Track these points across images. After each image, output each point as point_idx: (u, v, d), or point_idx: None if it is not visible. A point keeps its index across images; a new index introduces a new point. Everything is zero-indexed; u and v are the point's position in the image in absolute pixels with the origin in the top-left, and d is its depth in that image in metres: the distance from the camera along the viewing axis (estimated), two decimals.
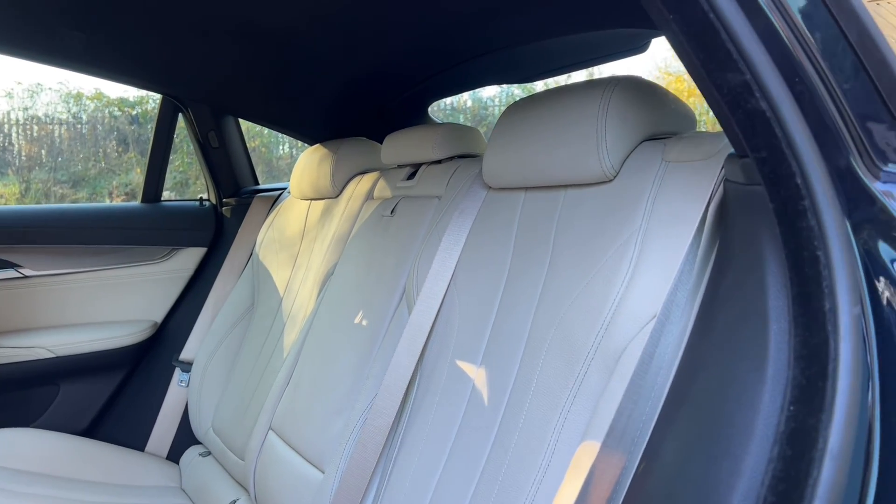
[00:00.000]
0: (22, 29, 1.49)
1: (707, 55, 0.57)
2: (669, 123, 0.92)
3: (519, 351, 0.93)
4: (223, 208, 2.06)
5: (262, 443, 1.41)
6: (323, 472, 1.18)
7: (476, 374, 0.99)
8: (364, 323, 1.26)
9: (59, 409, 1.80)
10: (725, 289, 0.63)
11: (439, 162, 1.35)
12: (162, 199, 2.03)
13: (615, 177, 0.89)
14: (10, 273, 1.75)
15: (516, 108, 1.06)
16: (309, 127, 1.94)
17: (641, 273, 0.78)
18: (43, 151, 7.43)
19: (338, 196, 1.62)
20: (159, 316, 1.96)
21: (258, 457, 1.40)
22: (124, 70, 1.73)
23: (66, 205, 3.24)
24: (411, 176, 1.38)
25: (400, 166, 1.47)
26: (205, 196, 2.09)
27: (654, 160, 0.85)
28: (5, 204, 6.66)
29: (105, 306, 1.89)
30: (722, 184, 0.71)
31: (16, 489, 1.41)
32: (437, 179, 1.29)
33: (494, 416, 0.93)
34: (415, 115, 1.90)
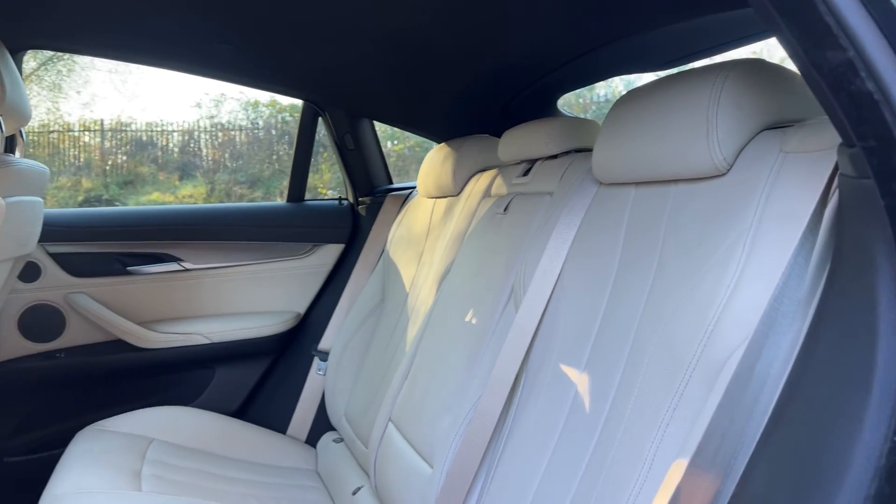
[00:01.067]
0: (176, 45, 1.65)
1: (802, 30, 0.49)
2: (795, 110, 0.82)
3: (622, 358, 0.88)
4: (359, 207, 2.15)
5: (383, 434, 1.45)
6: (432, 467, 1.20)
7: (578, 379, 0.95)
8: (474, 321, 1.25)
9: (214, 391, 1.98)
10: (833, 298, 0.55)
11: (555, 157, 1.31)
12: (305, 199, 2.16)
13: (728, 170, 0.81)
14: (174, 266, 1.95)
15: (627, 99, 1.00)
16: (437, 126, 1.97)
17: (748, 278, 0.70)
18: (226, 155, 8.19)
19: (458, 194, 1.63)
20: (302, 308, 2.09)
21: (379, 447, 1.45)
22: (268, 78, 1.86)
23: (221, 204, 3.55)
24: (526, 172, 1.36)
25: (518, 163, 1.45)
26: (344, 196, 2.19)
27: (770, 151, 0.76)
28: (194, 203, 7.43)
29: (254, 298, 2.05)
30: (837, 177, 0.62)
31: (173, 462, 1.57)
32: (551, 175, 1.26)
33: (594, 425, 0.89)
34: (542, 110, 1.86)
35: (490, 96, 1.81)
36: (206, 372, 1.99)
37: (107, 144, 7.88)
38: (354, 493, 1.53)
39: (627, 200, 0.99)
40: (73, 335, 1.85)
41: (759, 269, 0.69)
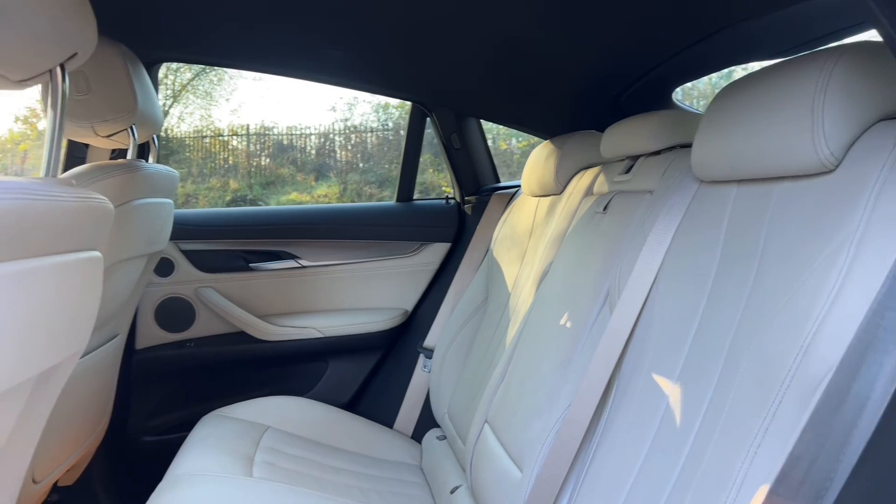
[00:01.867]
0: (289, 52, 1.73)
1: None
2: None
3: (716, 370, 0.82)
4: (465, 206, 2.16)
5: (479, 434, 1.45)
6: (521, 472, 1.18)
7: (671, 390, 0.89)
8: (568, 325, 1.21)
9: (327, 383, 2.07)
10: None
11: (658, 153, 1.24)
12: (413, 198, 2.20)
13: (836, 167, 0.72)
14: (291, 263, 2.05)
15: (730, 90, 0.92)
16: (544, 123, 1.93)
17: (851, 287, 0.62)
18: (358, 156, 8.52)
19: (561, 192, 1.59)
20: (409, 305, 2.13)
21: (475, 448, 1.45)
22: (377, 81, 1.91)
23: (335, 205, 3.68)
24: (628, 169, 1.30)
25: (621, 159, 1.38)
26: (450, 195, 2.21)
27: (884, 145, 0.67)
28: (328, 202, 7.79)
29: (364, 294, 2.11)
30: None
31: (284, 450, 1.65)
32: (653, 172, 1.19)
33: (684, 440, 0.83)
34: (655, 103, 1.77)
35: (598, 90, 1.74)
36: (320, 365, 2.07)
37: (252, 148, 8.42)
38: (452, 492, 1.54)
39: (728, 200, 0.91)
40: (202, 326, 2.00)
41: (862, 278, 0.61)
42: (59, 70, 0.76)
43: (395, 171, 2.17)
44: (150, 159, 1.69)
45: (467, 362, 1.80)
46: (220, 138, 8.32)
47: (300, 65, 1.83)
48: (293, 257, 2.06)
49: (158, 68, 1.89)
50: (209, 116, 8.52)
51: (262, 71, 1.88)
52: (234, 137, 8.36)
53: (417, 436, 1.99)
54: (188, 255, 1.98)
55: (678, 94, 1.82)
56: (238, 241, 2.03)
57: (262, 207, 2.25)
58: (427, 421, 1.97)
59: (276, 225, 2.05)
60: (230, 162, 8.32)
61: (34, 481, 1.40)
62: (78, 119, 1.37)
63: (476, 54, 1.60)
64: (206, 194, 7.79)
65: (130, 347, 1.94)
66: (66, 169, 1.77)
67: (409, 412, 2.01)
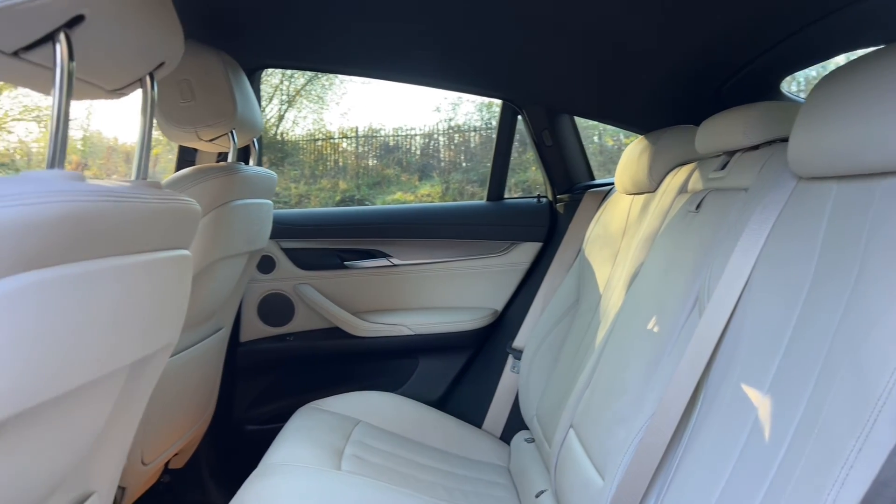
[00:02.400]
0: (382, 55, 1.77)
1: None
2: None
3: (809, 382, 0.75)
4: (557, 204, 2.11)
5: (564, 439, 1.41)
6: (603, 480, 1.14)
7: (761, 402, 0.83)
8: (656, 329, 1.16)
9: (418, 380, 2.09)
10: None
11: (756, 148, 1.16)
12: (504, 197, 2.18)
13: None
14: (383, 262, 2.10)
15: (830, 79, 0.85)
16: (639, 118, 1.86)
17: None
18: (461, 156, 8.60)
19: (655, 190, 1.52)
20: (499, 305, 2.12)
21: (559, 452, 1.42)
22: (467, 80, 1.90)
23: (426, 204, 3.71)
24: (724, 166, 1.22)
25: (717, 155, 1.31)
26: (541, 193, 2.17)
27: None
28: (430, 201, 7.91)
29: (454, 293, 2.12)
30: None
31: (373, 444, 1.68)
32: (749, 168, 1.11)
33: (773, 457, 0.77)
34: (761, 94, 1.66)
35: (698, 82, 1.66)
36: (411, 362, 2.10)
37: (360, 149, 8.68)
38: (538, 496, 1.51)
39: (828, 198, 0.84)
40: (300, 321, 2.08)
41: None
42: (148, 79, 0.81)
43: (507, 169, 2.16)
44: (251, 162, 1.78)
45: (557, 365, 1.77)
46: (331, 141, 8.64)
47: (391, 67, 1.86)
48: (385, 256, 2.10)
49: (260, 74, 1.98)
50: (321, 120, 8.86)
51: (356, 74, 1.94)
52: (344, 140, 8.65)
53: (506, 437, 1.97)
54: (288, 253, 2.07)
55: (797, 86, 1.70)
56: (334, 240, 2.09)
57: (357, 207, 2.32)
58: (516, 422, 1.95)
59: (370, 224, 2.10)
60: (340, 163, 8.61)
61: (143, 463, 1.50)
62: (183, 125, 1.46)
63: (567, 49, 1.57)
64: (317, 195, 8.11)
65: (235, 340, 2.05)
66: (176, 171, 1.90)
67: (497, 412, 2.00)
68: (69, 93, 0.64)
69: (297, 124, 8.51)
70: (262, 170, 1.69)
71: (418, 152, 8.68)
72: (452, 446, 1.84)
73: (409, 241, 2.12)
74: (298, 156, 8.24)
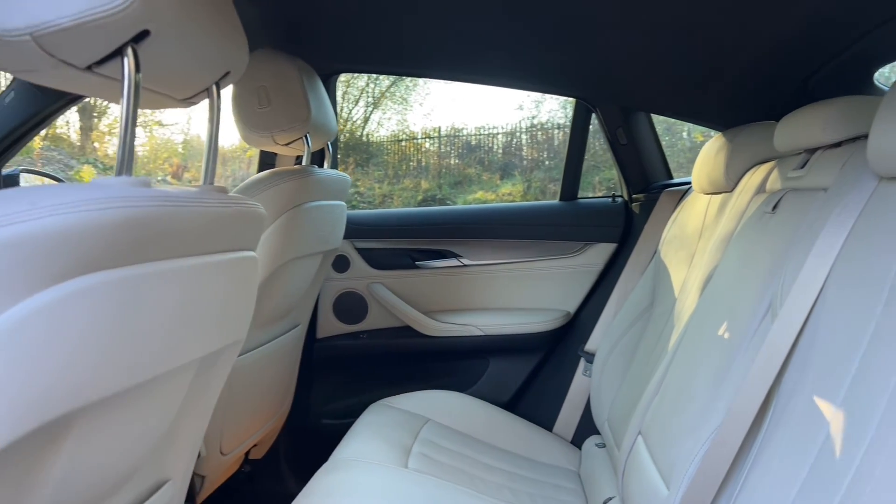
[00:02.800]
0: (453, 57, 1.78)
1: None
2: None
3: (884, 395, 0.70)
4: (633, 204, 2.06)
5: (632, 446, 1.38)
6: (668, 490, 1.10)
7: (833, 416, 0.78)
8: (726, 336, 1.11)
9: (488, 381, 2.09)
10: None
11: (838, 145, 1.08)
12: (578, 196, 2.14)
13: None
14: (453, 262, 2.11)
15: None
16: (718, 113, 1.78)
17: None
18: (543, 154, 8.52)
19: (732, 189, 1.46)
20: (572, 307, 2.09)
21: (627, 459, 1.38)
22: (539, 79, 1.89)
23: (497, 204, 3.69)
24: (804, 164, 1.15)
25: (797, 153, 1.23)
26: (617, 192, 2.12)
27: None
28: (512, 200, 7.89)
29: (525, 294, 2.10)
30: None
31: (441, 443, 1.70)
32: (829, 167, 1.05)
33: (842, 477, 0.72)
34: (852, 87, 1.55)
35: (782, 75, 1.57)
36: (481, 362, 2.10)
37: (442, 149, 8.76)
38: (605, 503, 1.48)
39: None
40: (373, 319, 2.13)
41: None
42: (214, 87, 0.85)
43: (584, 167, 2.14)
44: (325, 165, 1.83)
45: (629, 369, 1.72)
46: (414, 141, 8.77)
47: (462, 68, 1.87)
48: (456, 256, 2.11)
49: (336, 79, 2.03)
50: (405, 121, 9.01)
51: (428, 76, 1.96)
52: (427, 140, 8.75)
53: (577, 441, 1.94)
54: (362, 252, 2.11)
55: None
56: (406, 240, 2.12)
57: (428, 208, 2.35)
58: (587, 426, 1.91)
59: (441, 225, 2.12)
60: (422, 163, 8.72)
61: (222, 453, 1.58)
62: (260, 129, 1.52)
63: (642, 46, 1.52)
64: (399, 194, 8.24)
65: (312, 336, 2.12)
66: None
67: (569, 416, 1.97)
68: (136, 103, 0.68)
69: (382, 126, 8.67)
70: (336, 172, 1.74)
71: (500, 151, 8.66)
72: (521, 448, 1.82)
73: (479, 242, 2.12)
74: (383, 156, 8.39)
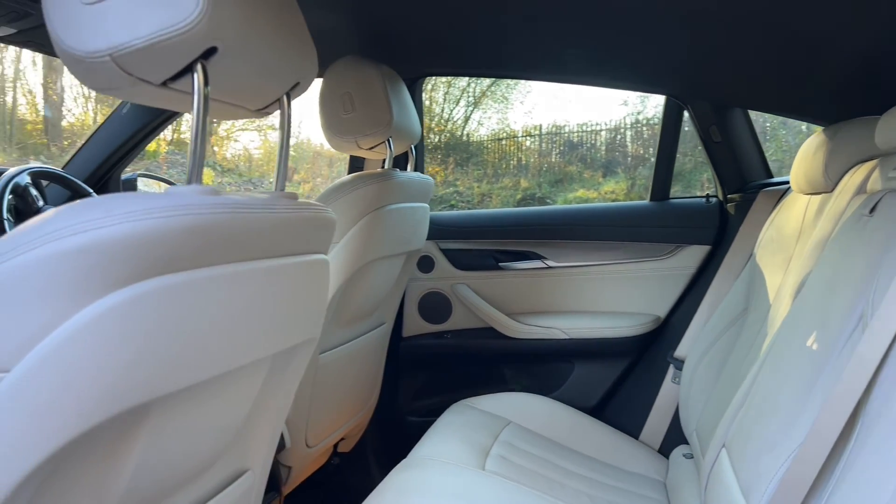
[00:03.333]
0: (540, 57, 1.76)
1: None
2: None
3: None
4: (728, 205, 1.96)
5: (716, 458, 1.31)
6: None
7: None
8: (815, 347, 1.04)
9: (573, 386, 2.06)
10: None
11: None
12: (670, 197, 2.06)
13: None
14: (538, 264, 2.09)
15: None
16: (821, 108, 1.66)
17: None
18: (649, 151, 8.27)
19: (832, 190, 1.36)
20: (662, 311, 2.01)
21: (710, 471, 1.32)
22: (625, 77, 1.83)
23: (583, 205, 3.61)
24: None
25: None
26: (711, 192, 2.02)
27: None
28: (614, 198, 7.71)
29: (612, 297, 2.05)
30: None
31: (521, 446, 1.69)
32: None
33: None
34: None
35: (890, 66, 1.45)
36: (566, 366, 2.07)
37: (543, 147, 8.69)
38: None
39: None
40: (457, 320, 2.14)
41: None
42: (284, 98, 0.89)
43: (689, 164, 2.07)
44: (409, 168, 1.86)
45: (720, 378, 1.64)
46: (515, 139, 8.74)
47: (549, 67, 1.85)
48: (540, 258, 2.09)
49: (422, 83, 2.07)
50: (505, 119, 8.99)
51: (514, 77, 1.97)
52: (528, 138, 8.69)
53: (665, 450, 1.87)
54: (446, 253, 2.14)
55: None
56: (490, 241, 2.13)
57: (513, 209, 2.34)
58: (676, 435, 1.84)
59: (525, 226, 2.11)
60: (522, 162, 8.68)
61: (308, 445, 1.65)
62: (344, 135, 1.58)
63: (739, 40, 1.45)
64: (498, 193, 8.25)
65: (398, 335, 2.17)
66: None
67: (657, 424, 1.91)
68: (205, 116, 0.73)
69: (483, 125, 8.69)
70: (418, 175, 1.77)
71: (603, 148, 8.47)
72: (605, 455, 1.78)
73: (565, 243, 2.09)
74: (483, 155, 8.42)
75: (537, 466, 1.61)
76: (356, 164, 2.05)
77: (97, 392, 0.61)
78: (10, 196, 1.82)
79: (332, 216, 0.97)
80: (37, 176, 1.93)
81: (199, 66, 0.71)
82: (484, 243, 2.13)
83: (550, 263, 2.08)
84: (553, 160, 8.57)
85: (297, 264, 0.89)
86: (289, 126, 0.90)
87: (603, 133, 8.40)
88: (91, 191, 2.09)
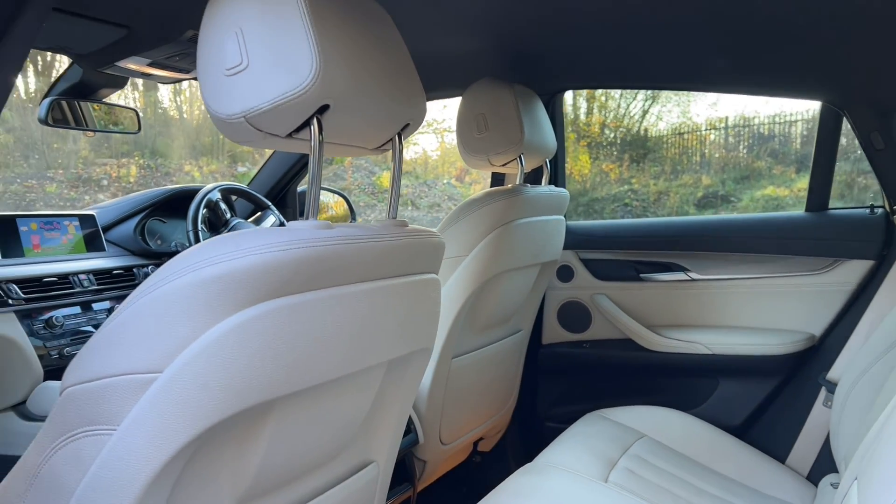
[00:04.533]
0: (680, 67, 1.74)
1: None
2: None
3: None
4: (894, 216, 1.78)
5: (846, 491, 1.23)
6: None
7: None
8: None
9: (715, 403, 1.99)
10: None
11: None
12: (829, 207, 1.92)
13: None
14: (681, 276, 2.04)
15: None
16: None
17: None
18: (853, 142, 7.49)
19: None
20: (816, 330, 1.88)
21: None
22: (774, 84, 1.75)
23: (728, 216, 3.38)
24: None
25: None
26: (877, 203, 1.85)
27: None
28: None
29: (760, 313, 1.95)
30: None
31: (652, 461, 1.69)
32: None
33: None
34: None
35: None
36: (709, 382, 2.01)
37: (729, 141, 8.21)
38: None
39: None
40: (596, 330, 2.16)
41: None
42: (396, 138, 1.01)
43: (831, 176, 1.94)
44: (543, 182, 1.92)
45: (874, 404, 1.52)
46: (697, 133, 8.33)
47: (691, 77, 1.82)
48: (683, 269, 2.04)
49: (561, 97, 2.11)
50: (687, 112, 8.59)
51: (654, 88, 1.94)
52: (712, 131, 8.24)
53: (814, 478, 1.76)
54: (586, 263, 2.16)
55: None
56: (630, 252, 2.12)
57: (654, 219, 2.29)
58: (826, 463, 1.72)
59: (667, 237, 2.07)
60: (705, 157, 8.25)
61: (442, 442, 1.77)
62: (477, 153, 1.68)
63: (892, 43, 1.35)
64: (677, 191, 7.92)
65: (538, 341, 2.23)
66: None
67: (805, 449, 1.79)
68: (321, 162, 0.86)
69: (662, 119, 8.40)
70: (550, 189, 1.82)
71: (798, 141, 7.82)
72: (745, 478, 1.72)
73: (709, 255, 2.02)
74: (661, 151, 8.15)
75: (667, 482, 1.60)
76: (497, 177, 2.15)
77: (227, 391, 0.76)
78: (205, 210, 2.15)
79: (438, 240, 1.07)
80: (226, 192, 2.26)
81: (314, 121, 0.85)
82: (624, 254, 2.13)
83: (693, 276, 2.03)
84: (739, 155, 8.05)
85: (405, 284, 1.00)
86: (401, 161, 1.02)
87: (798, 124, 7.74)
88: (269, 203, 2.40)
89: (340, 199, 2.76)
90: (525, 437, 2.27)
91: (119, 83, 1.83)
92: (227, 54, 0.81)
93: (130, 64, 1.67)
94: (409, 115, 0.99)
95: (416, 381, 1.20)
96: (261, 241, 0.77)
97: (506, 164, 1.71)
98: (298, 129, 0.87)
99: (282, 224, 2.49)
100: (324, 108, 0.85)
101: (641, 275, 2.10)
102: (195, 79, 1.84)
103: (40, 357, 1.66)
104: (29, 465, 0.82)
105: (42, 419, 1.61)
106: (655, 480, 1.59)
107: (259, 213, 2.44)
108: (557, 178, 2.18)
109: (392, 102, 0.94)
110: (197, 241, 2.07)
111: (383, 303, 0.96)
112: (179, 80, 1.84)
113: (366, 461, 1.19)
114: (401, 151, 1.02)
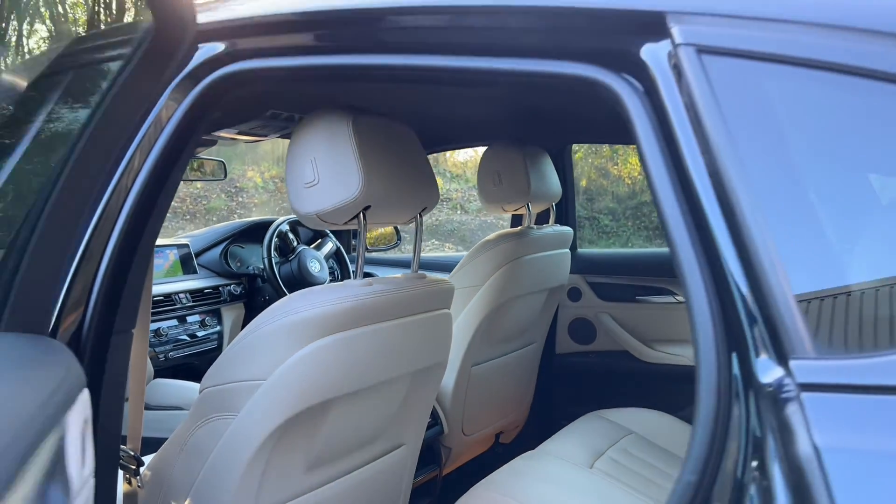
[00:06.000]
0: None
1: None
2: None
3: None
4: None
5: None
6: None
7: None
8: None
9: None
10: None
11: None
12: None
13: None
14: (670, 298, 2.40)
15: None
16: None
17: None
18: None
19: None
20: None
21: None
22: None
23: None
24: None
25: None
26: None
27: None
28: None
29: None
30: None
31: (637, 454, 2.03)
32: None
33: None
34: None
35: None
36: (692, 388, 2.36)
37: None
38: None
39: None
40: (600, 342, 2.55)
41: None
42: (418, 216, 1.43)
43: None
44: (550, 222, 2.32)
45: None
46: None
47: None
48: (672, 293, 2.41)
49: (570, 149, 2.51)
50: None
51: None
52: None
53: None
54: (592, 286, 2.55)
55: None
56: (629, 277, 2.49)
57: (649, 250, 2.63)
58: None
59: (659, 265, 2.44)
60: None
61: (464, 433, 2.20)
62: (493, 202, 2.09)
63: None
64: None
65: (552, 352, 2.63)
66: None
67: None
68: (364, 238, 1.30)
69: None
70: (555, 228, 2.22)
71: None
72: None
73: None
74: None
75: (648, 472, 1.94)
76: (516, 216, 2.56)
77: (305, 392, 1.20)
78: (276, 239, 2.64)
79: (449, 286, 1.49)
80: (294, 224, 2.74)
81: (361, 216, 1.28)
82: (624, 279, 2.51)
83: (680, 299, 2.39)
84: None
85: (422, 319, 1.43)
86: (420, 233, 1.44)
87: None
88: (330, 233, 2.88)
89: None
90: (542, 433, 2.66)
91: (211, 143, 2.33)
92: (306, 174, 1.25)
93: (222, 133, 2.15)
94: (426, 201, 1.41)
95: (435, 386, 1.63)
96: (326, 297, 1.21)
97: (516, 210, 2.12)
98: (348, 222, 1.31)
99: (337, 249, 2.97)
100: (367, 207, 1.28)
101: (637, 297, 2.47)
102: (265, 139, 2.32)
103: (151, 360, 2.17)
104: (179, 438, 1.29)
105: (156, 409, 2.11)
106: (636, 469, 1.96)
107: (319, 240, 2.92)
108: (568, 216, 2.57)
109: (413, 198, 1.37)
110: (270, 265, 2.56)
111: (408, 332, 1.39)
112: (258, 142, 2.32)
113: (398, 444, 1.61)
114: (420, 224, 1.44)
